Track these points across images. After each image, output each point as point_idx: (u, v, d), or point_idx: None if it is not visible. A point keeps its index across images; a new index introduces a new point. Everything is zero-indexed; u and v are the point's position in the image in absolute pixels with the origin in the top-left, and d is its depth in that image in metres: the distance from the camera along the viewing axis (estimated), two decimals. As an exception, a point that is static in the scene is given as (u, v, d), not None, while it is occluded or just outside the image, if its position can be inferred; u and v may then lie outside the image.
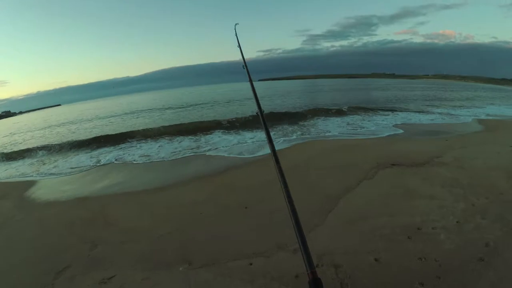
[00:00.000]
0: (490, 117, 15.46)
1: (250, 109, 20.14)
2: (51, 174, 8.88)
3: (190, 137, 11.62)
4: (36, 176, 8.91)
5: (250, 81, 2.33)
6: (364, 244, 3.50)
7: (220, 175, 6.81)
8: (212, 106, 24.25)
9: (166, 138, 12.12)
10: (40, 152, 12.54)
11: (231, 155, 8.38)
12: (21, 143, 18.11)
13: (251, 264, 3.30)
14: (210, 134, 11.90)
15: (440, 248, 3.33)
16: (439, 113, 16.40)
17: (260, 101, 2.02)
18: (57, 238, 4.63)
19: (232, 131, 12.01)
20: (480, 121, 13.79)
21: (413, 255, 3.22)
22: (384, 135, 9.95)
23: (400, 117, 14.63)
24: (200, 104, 28.66)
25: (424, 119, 14.39)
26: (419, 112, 17.31)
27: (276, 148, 1.61)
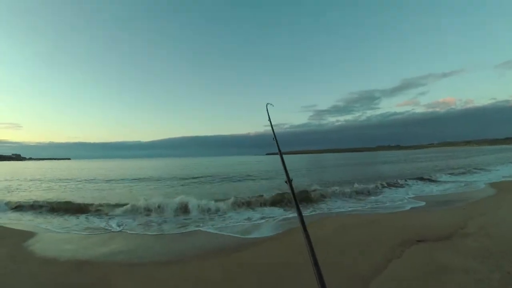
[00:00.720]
0: (503, 179, 15.42)
1: (261, 185, 20.12)
2: (52, 230, 8.75)
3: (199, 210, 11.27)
4: (36, 229, 8.78)
5: (280, 154, 2.55)
6: None
7: (236, 252, 6.39)
8: (222, 180, 23.94)
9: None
10: (45, 206, 12.37)
11: (245, 231, 8.05)
12: (26, 191, 18.88)
13: None
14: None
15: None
16: (451, 182, 16.36)
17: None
18: None
19: (243, 208, 11.68)
20: (493, 185, 13.76)
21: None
22: (401, 209, 9.79)
23: (412, 189, 14.53)
24: (209, 176, 28.25)
25: (437, 189, 14.25)
26: (430, 181, 17.26)
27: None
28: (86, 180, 26.28)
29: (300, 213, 1.71)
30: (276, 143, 2.92)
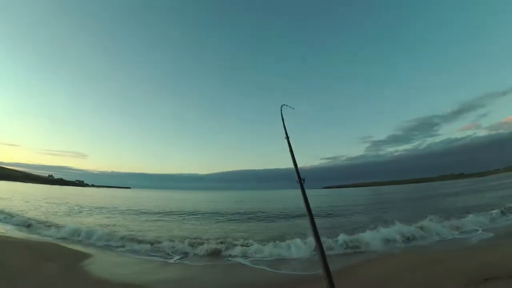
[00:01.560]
0: None
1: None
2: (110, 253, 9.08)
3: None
4: (93, 251, 9.03)
5: (292, 154, 2.52)
6: None
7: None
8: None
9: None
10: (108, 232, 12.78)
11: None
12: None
13: None
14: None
15: None
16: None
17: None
18: None
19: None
20: None
21: None
22: (465, 244, 8.64)
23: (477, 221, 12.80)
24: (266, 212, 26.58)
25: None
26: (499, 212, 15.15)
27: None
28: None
29: (312, 218, 1.59)
30: (288, 143, 2.95)
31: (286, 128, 3.53)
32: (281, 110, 3.95)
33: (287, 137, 3.22)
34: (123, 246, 10.63)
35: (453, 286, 5.34)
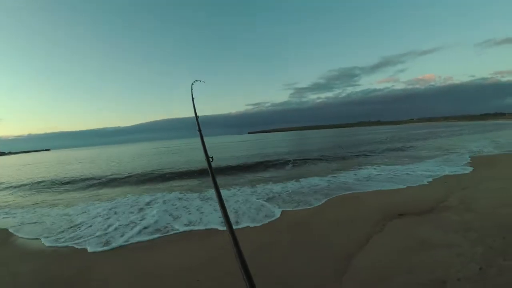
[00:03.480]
0: (483, 153, 15.81)
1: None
2: (32, 222, 8.48)
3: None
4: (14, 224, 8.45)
5: (201, 135, 2.49)
6: None
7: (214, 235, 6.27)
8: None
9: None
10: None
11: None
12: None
13: None
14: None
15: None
16: (432, 158, 16.31)
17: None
18: None
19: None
20: (473, 159, 14.01)
21: (447, 315, 3.00)
22: (384, 188, 9.72)
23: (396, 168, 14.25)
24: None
25: (419, 168, 14.05)
26: (410, 160, 17.12)
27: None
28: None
29: (217, 189, 1.57)
30: (198, 126, 2.80)
31: (195, 103, 3.28)
32: (192, 87, 3.60)
33: (197, 118, 2.94)
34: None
35: (371, 220, 5.96)
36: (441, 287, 3.47)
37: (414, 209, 6.42)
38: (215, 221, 7.04)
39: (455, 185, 8.44)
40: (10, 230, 7.77)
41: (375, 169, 13.69)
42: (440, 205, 6.53)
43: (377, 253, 4.56)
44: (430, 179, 9.70)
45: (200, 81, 3.69)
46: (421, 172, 11.51)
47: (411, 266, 4.08)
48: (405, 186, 9.14)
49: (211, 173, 1.81)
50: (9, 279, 4.95)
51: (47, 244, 6.44)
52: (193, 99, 3.38)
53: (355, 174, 12.57)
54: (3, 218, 9.47)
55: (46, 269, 5.13)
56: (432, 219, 5.78)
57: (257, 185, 11.63)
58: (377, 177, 11.52)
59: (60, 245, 6.31)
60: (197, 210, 8.30)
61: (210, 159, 2.04)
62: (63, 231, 7.22)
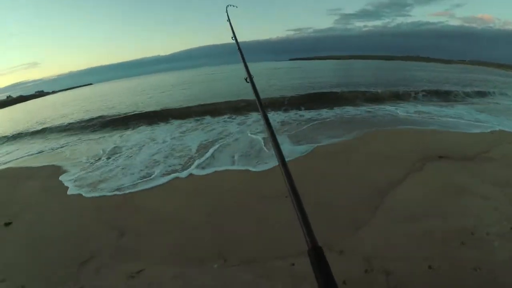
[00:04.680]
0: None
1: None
2: (82, 160, 8.73)
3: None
4: (65, 162, 8.84)
5: (245, 64, 2.23)
6: (416, 249, 3.38)
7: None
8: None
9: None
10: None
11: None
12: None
13: (293, 264, 3.17)
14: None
15: (495, 258, 3.18)
16: (486, 103, 15.06)
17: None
18: (83, 223, 4.67)
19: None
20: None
21: (468, 265, 3.08)
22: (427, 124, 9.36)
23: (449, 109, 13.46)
24: None
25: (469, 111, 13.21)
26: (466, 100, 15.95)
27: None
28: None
29: (265, 116, 1.38)
30: (241, 54, 2.55)
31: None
32: (227, 10, 3.44)
33: (237, 42, 2.70)
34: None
35: (410, 158, 5.82)
36: (469, 237, 3.47)
37: (455, 153, 6.13)
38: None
39: (501, 138, 7.94)
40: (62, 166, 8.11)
41: (417, 107, 12.98)
42: (482, 155, 6.21)
43: (412, 192, 4.56)
44: (478, 130, 9.16)
45: (233, 6, 3.59)
46: (468, 120, 10.83)
47: (444, 211, 4.07)
48: (448, 130, 8.73)
49: (256, 94, 1.65)
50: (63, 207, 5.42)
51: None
52: (229, 20, 3.18)
53: (396, 109, 12.07)
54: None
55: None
56: (472, 167, 5.54)
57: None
58: (419, 116, 10.93)
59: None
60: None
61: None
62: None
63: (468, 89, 19.24)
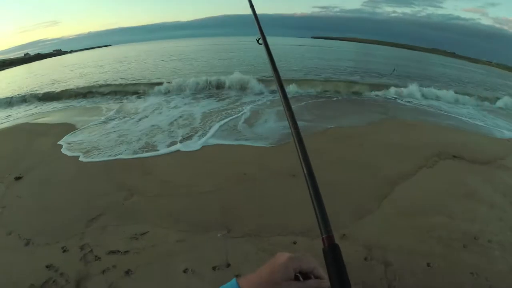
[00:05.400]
0: None
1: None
2: (95, 120, 8.91)
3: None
4: (79, 120, 8.99)
5: (257, 21, 2.01)
6: (418, 245, 3.40)
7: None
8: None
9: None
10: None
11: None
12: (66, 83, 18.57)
13: (295, 243, 3.24)
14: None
15: (493, 267, 3.19)
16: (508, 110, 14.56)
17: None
18: (93, 182, 4.77)
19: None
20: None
21: (466, 268, 3.11)
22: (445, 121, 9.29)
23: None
24: None
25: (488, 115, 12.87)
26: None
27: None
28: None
29: (280, 84, 1.21)
30: (260, 31, 2.32)
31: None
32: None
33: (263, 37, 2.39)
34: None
35: (424, 153, 5.79)
36: (471, 241, 3.49)
37: (470, 155, 6.04)
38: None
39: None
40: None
41: (438, 103, 12.75)
42: (498, 161, 6.12)
43: (422, 187, 4.56)
44: (496, 135, 8.97)
45: None
46: (486, 123, 10.59)
47: (450, 210, 4.08)
48: (465, 129, 8.61)
49: (270, 57, 1.46)
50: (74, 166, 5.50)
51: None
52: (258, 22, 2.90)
53: (417, 100, 11.93)
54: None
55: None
56: (485, 172, 5.47)
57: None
58: (438, 112, 10.80)
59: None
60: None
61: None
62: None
63: (491, 93, 18.73)
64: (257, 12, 2.46)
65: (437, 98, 13.38)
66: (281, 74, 1.16)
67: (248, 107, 9.53)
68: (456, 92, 14.77)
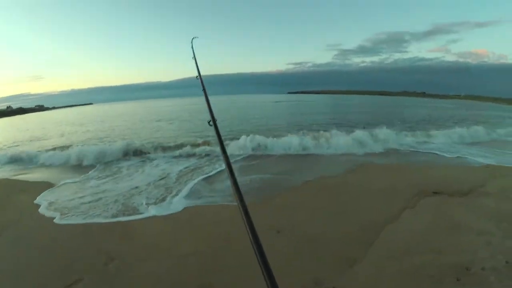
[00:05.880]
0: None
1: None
2: (72, 179, 8.85)
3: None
4: (59, 178, 8.95)
5: (205, 94, 2.33)
6: (411, 286, 3.43)
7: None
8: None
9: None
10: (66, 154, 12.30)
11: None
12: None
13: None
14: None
15: (492, 294, 3.26)
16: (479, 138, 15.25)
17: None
18: (71, 245, 4.71)
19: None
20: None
21: (465, 302, 3.08)
22: (422, 159, 9.69)
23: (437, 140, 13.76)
24: None
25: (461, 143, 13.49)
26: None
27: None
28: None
29: (227, 158, 1.42)
30: (202, 83, 2.64)
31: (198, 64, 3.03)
32: (192, 43, 3.48)
33: (200, 77, 2.79)
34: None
35: (405, 194, 6.01)
36: (464, 272, 3.53)
37: (450, 189, 6.33)
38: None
39: (496, 172, 8.05)
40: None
41: (412, 141, 13.25)
42: (478, 189, 6.35)
43: (407, 228, 4.67)
44: (472, 164, 9.28)
45: (197, 37, 3.60)
46: (461, 154, 10.98)
47: (439, 246, 4.16)
48: (442, 164, 8.90)
49: (219, 136, 1.69)
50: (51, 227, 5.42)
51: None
52: (194, 56, 3.20)
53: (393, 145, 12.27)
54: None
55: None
56: (467, 202, 5.72)
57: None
58: (414, 152, 11.26)
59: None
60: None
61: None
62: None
63: (461, 125, 19.71)
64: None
65: (412, 137, 13.93)
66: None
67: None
68: (427, 130, 15.55)
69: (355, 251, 4.04)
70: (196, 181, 7.87)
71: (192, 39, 3.55)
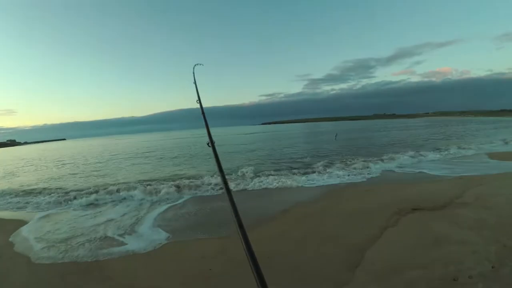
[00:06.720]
0: (500, 151, 15.43)
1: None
2: (46, 216, 8.47)
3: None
4: (30, 215, 8.62)
5: (205, 119, 2.39)
6: None
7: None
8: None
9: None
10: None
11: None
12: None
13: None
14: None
15: (482, 300, 3.24)
16: (448, 152, 16.01)
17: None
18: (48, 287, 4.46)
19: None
20: (491, 155, 13.74)
21: (456, 311, 3.07)
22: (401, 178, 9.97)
23: (407, 159, 14.28)
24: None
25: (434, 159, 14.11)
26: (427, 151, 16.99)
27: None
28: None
29: (225, 180, 1.47)
30: (201, 107, 2.70)
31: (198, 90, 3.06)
32: (194, 70, 3.53)
33: (200, 102, 2.81)
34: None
35: (385, 214, 6.07)
36: (452, 283, 3.54)
37: (429, 204, 6.50)
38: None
39: (471, 182, 8.34)
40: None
41: (388, 163, 13.63)
42: (455, 201, 6.58)
43: (390, 247, 4.69)
44: (446, 178, 9.61)
45: (201, 64, 3.66)
46: (436, 169, 11.40)
47: (424, 261, 4.19)
48: (419, 182, 9.14)
49: (216, 157, 1.72)
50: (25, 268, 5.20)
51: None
52: (195, 81, 3.24)
53: (368, 168, 12.56)
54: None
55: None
56: (447, 215, 5.87)
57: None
58: (390, 172, 11.61)
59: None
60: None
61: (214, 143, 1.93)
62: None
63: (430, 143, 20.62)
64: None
65: (382, 160, 14.31)
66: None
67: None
68: (396, 152, 16.16)
69: (343, 275, 3.98)
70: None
71: (194, 66, 3.59)
